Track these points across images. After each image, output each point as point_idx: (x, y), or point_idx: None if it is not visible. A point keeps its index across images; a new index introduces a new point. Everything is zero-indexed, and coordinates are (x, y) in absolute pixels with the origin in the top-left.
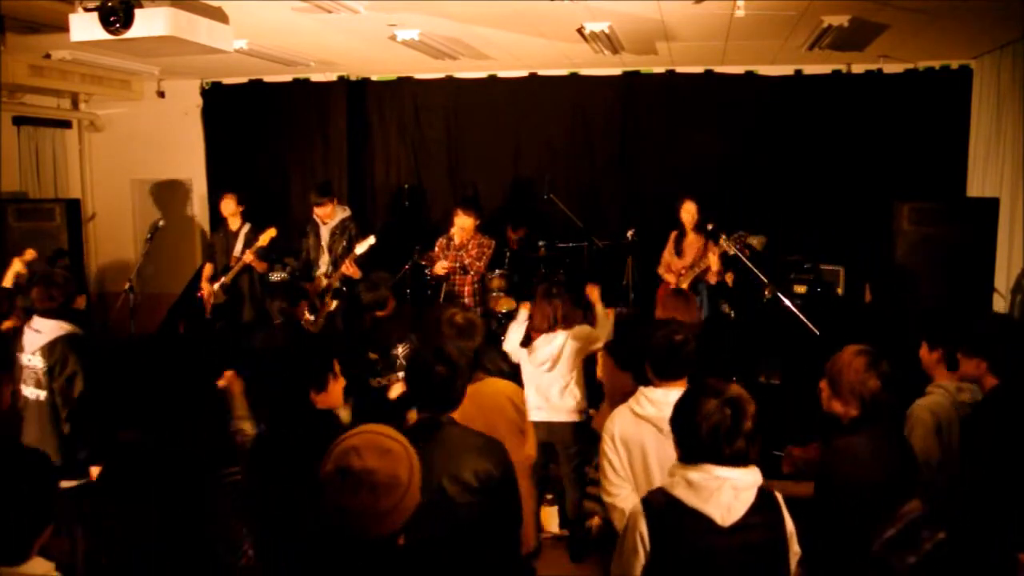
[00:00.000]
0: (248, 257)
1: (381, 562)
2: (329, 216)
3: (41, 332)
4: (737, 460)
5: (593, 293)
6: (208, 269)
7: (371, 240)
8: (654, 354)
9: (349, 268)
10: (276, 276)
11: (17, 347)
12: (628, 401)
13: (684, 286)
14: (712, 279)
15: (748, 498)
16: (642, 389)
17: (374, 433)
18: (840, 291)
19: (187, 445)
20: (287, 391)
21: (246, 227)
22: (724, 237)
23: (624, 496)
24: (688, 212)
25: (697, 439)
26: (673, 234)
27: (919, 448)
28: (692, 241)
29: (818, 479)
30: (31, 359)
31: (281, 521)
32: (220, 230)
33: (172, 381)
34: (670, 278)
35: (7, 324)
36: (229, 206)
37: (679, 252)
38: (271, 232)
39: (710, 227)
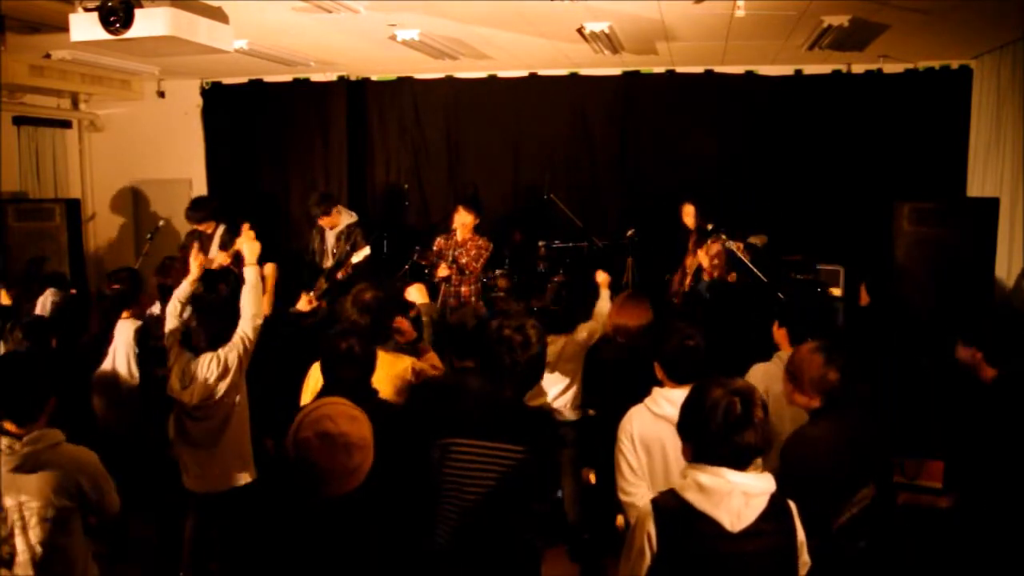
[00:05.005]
0: (224, 259)
1: (351, 511)
2: (333, 223)
3: None
4: (749, 457)
5: (601, 278)
6: None
7: (367, 250)
8: (667, 357)
9: (344, 276)
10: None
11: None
12: (645, 401)
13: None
14: (706, 276)
15: (759, 505)
16: (658, 389)
17: (338, 404)
18: (839, 291)
19: None
20: None
21: (220, 228)
22: (724, 237)
23: (641, 495)
24: (688, 215)
25: (707, 431)
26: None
27: None
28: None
29: (781, 468)
30: None
31: None
32: (192, 235)
33: None
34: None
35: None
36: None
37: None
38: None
39: (710, 227)
